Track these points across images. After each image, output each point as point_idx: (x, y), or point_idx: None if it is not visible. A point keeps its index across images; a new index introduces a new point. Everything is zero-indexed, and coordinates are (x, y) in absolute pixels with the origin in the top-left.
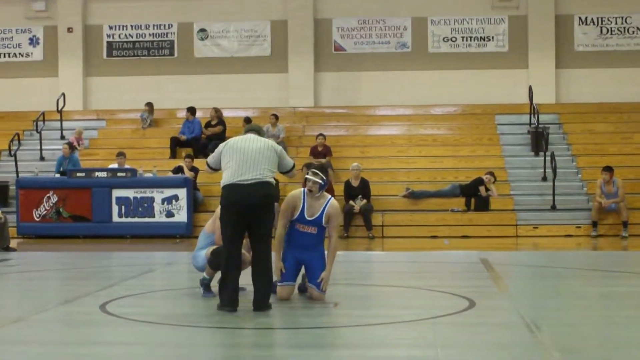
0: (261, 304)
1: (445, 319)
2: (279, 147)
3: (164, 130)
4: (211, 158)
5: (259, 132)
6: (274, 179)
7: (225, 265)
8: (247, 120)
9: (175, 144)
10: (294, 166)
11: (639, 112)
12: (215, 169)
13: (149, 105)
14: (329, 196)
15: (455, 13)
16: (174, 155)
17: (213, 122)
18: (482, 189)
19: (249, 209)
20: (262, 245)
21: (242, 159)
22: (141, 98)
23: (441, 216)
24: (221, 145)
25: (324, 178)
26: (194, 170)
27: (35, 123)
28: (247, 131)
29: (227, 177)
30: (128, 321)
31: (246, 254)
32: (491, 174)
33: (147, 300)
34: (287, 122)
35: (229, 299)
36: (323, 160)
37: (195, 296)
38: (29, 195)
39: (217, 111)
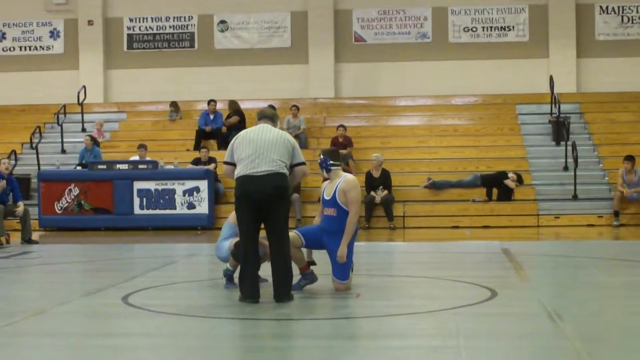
0: (282, 295)
1: (467, 309)
2: (293, 140)
3: (184, 122)
4: (226, 156)
5: (272, 118)
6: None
7: (243, 258)
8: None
9: (200, 136)
10: (304, 163)
11: None
12: (232, 163)
13: (174, 104)
14: (345, 174)
15: (476, 3)
16: (198, 147)
17: (230, 114)
18: (508, 182)
19: (263, 201)
20: (278, 236)
21: (255, 150)
22: (162, 90)
23: (462, 206)
24: (232, 142)
25: (322, 156)
26: (213, 160)
27: (56, 116)
28: (260, 118)
29: (240, 168)
30: (150, 313)
31: (268, 245)
32: (519, 177)
33: (169, 292)
34: (307, 113)
35: (249, 291)
36: (344, 151)
37: (217, 287)
38: (50, 187)
39: (234, 103)
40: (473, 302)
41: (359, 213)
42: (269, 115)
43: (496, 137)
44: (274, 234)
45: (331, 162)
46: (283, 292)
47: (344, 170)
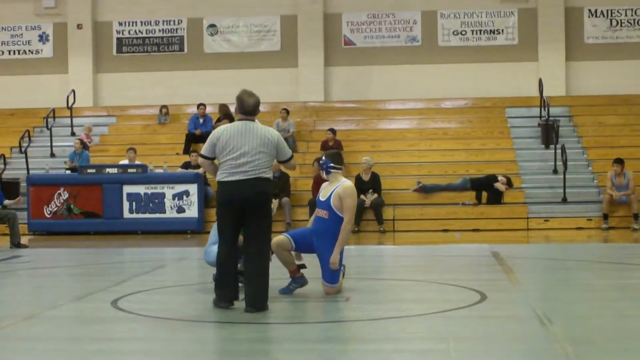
0: (255, 303)
1: (457, 312)
2: (276, 136)
3: (174, 126)
4: (204, 149)
5: (253, 113)
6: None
7: (223, 264)
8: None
9: (190, 140)
10: (292, 157)
11: None
12: (211, 157)
13: (165, 107)
14: (344, 179)
15: (465, 6)
16: (187, 151)
17: (221, 118)
18: (498, 185)
19: (244, 206)
20: (257, 242)
21: (238, 153)
22: (151, 94)
23: (452, 210)
24: (214, 136)
25: (324, 157)
26: None
27: (45, 120)
28: (241, 112)
29: (223, 173)
30: (140, 317)
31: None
32: (509, 180)
33: (159, 296)
34: (297, 116)
35: (228, 296)
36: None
37: (207, 291)
38: (39, 192)
39: (224, 107)
40: (463, 305)
41: (353, 221)
42: (250, 111)
43: (486, 140)
44: (254, 240)
45: (332, 164)
46: (257, 300)
47: None
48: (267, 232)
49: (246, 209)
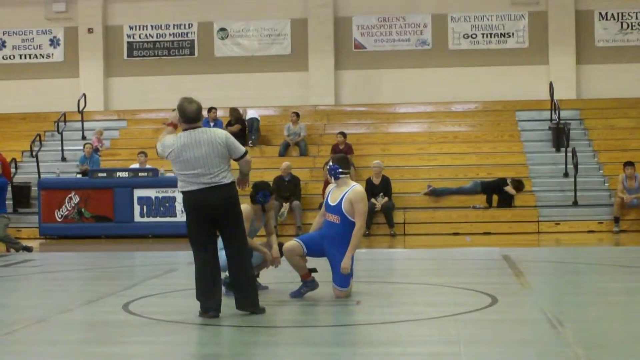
0: (245, 305)
1: (468, 315)
2: (224, 135)
3: None
4: (160, 147)
5: (197, 117)
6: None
7: (203, 273)
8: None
9: None
10: (246, 152)
11: None
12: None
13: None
14: (354, 184)
15: (475, 10)
16: None
17: (232, 122)
18: (508, 188)
19: (213, 213)
20: (234, 245)
21: (191, 166)
22: (162, 98)
23: (463, 213)
24: (167, 147)
25: (331, 163)
26: None
27: (56, 124)
28: (187, 121)
29: (184, 184)
30: (151, 321)
31: (267, 252)
32: (519, 183)
33: (170, 300)
34: (308, 120)
35: (213, 305)
36: None
37: None
38: (50, 196)
39: (235, 111)
40: (474, 308)
41: (365, 225)
42: (193, 118)
43: (496, 143)
44: (230, 244)
45: (340, 170)
46: (246, 303)
47: None
48: (242, 232)
49: (216, 216)
